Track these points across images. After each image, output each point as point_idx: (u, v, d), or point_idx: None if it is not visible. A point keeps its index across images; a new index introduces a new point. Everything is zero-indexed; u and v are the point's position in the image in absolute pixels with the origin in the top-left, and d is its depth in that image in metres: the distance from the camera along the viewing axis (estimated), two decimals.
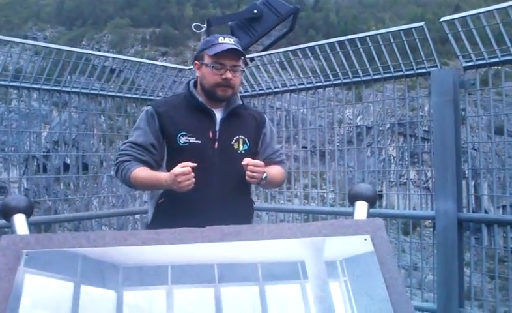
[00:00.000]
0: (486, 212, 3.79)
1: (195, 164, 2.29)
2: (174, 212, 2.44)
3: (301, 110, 4.97)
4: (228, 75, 2.51)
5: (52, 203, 4.61)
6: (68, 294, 1.29)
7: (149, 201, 2.72)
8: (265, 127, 2.75)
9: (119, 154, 2.59)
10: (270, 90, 4.97)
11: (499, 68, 3.68)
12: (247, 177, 2.46)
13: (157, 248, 1.40)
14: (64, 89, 4.45)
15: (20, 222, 1.56)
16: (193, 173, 2.28)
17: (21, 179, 4.75)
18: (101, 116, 5.17)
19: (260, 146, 2.73)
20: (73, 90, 4.51)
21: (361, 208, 1.64)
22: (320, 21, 74.38)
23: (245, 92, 5.07)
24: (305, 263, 1.40)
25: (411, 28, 3.88)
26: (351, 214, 1.70)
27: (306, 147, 5.02)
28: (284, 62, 4.68)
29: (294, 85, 4.79)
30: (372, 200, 1.68)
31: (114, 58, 5.09)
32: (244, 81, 5.00)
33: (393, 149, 4.83)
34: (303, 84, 4.72)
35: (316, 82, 4.61)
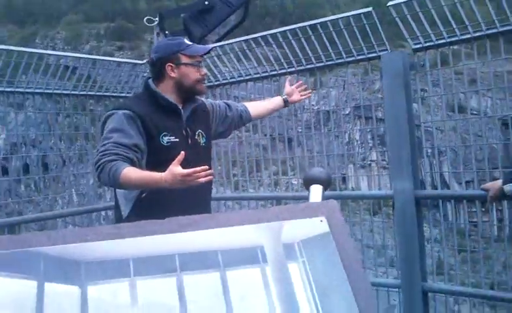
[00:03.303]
0: (449, 188, 3.92)
1: (206, 167, 2.45)
2: (156, 206, 2.50)
3: (263, 98, 4.99)
4: (205, 70, 2.88)
5: (15, 205, 4.54)
6: (32, 293, 1.30)
7: (124, 195, 2.80)
8: (208, 109, 3.08)
9: (103, 155, 2.61)
10: (234, 80, 4.98)
11: (448, 48, 3.80)
12: (301, 96, 3.51)
13: (118, 242, 1.42)
14: (17, 89, 4.37)
15: None
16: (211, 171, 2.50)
17: None
18: (60, 115, 5.11)
19: (218, 121, 3.13)
20: (27, 90, 4.44)
21: (316, 192, 1.70)
22: (275, 8, 74.22)
23: (208, 82, 5.08)
24: (264, 248, 1.44)
25: (360, 13, 3.96)
26: None
27: (271, 135, 5.07)
28: (247, 51, 4.71)
29: (258, 73, 4.82)
30: (327, 183, 1.74)
31: (67, 56, 5.03)
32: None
33: (356, 132, 4.91)
34: (266, 72, 4.76)
35: (280, 69, 4.66)
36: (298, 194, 4.64)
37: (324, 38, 4.17)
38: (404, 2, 3.70)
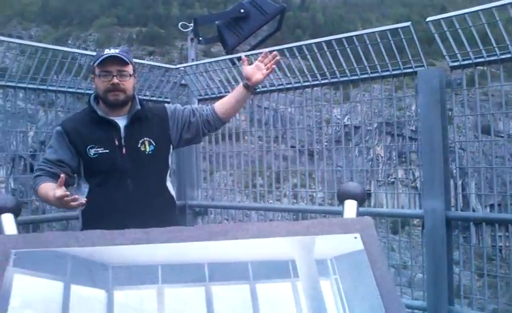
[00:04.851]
0: (474, 211, 3.82)
1: (67, 193, 2.44)
2: (98, 215, 2.68)
3: (289, 110, 4.96)
4: (115, 80, 2.73)
5: (40, 203, 4.56)
6: (58, 294, 1.28)
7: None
8: (168, 115, 2.97)
9: (35, 170, 2.87)
10: (258, 90, 4.94)
11: (485, 68, 3.70)
12: (267, 70, 2.94)
13: (147, 247, 1.40)
14: (50, 88, 4.39)
15: (8, 222, 1.55)
16: (77, 196, 2.47)
17: (8, 179, 4.70)
18: None
19: (181, 127, 2.96)
20: (59, 89, 4.46)
21: (350, 207, 1.65)
22: (306, 21, 74.38)
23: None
24: (295, 262, 1.40)
25: (397, 28, 3.88)
26: (340, 213, 1.70)
27: (294, 147, 5.02)
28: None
29: (282, 85, 4.77)
30: (362, 198, 1.68)
31: None
32: (232, 81, 4.98)
33: (381, 149, 4.83)
34: (290, 84, 4.70)
35: (304, 82, 4.60)
36: (321, 208, 4.57)
37: (357, 52, 4.09)
38: (443, 18, 3.62)
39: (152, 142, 2.83)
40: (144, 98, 4.91)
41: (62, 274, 1.32)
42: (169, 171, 3.00)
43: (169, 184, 2.97)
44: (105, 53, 2.78)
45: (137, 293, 1.30)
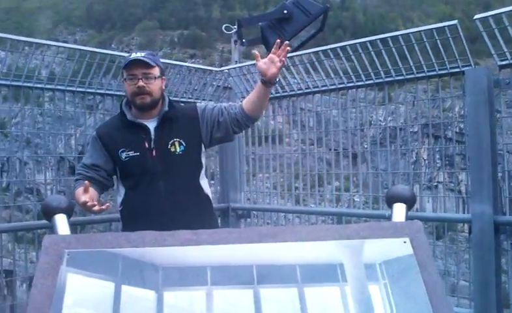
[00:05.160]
0: None
1: (86, 200, 2.53)
2: (133, 217, 2.81)
3: (331, 112, 4.90)
4: (140, 83, 2.76)
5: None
6: (109, 293, 1.31)
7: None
8: (199, 114, 2.97)
9: (75, 174, 3.03)
10: (301, 91, 4.90)
11: None
12: (279, 63, 2.73)
13: (196, 248, 1.41)
14: (98, 91, 4.48)
15: (61, 222, 1.60)
16: (95, 203, 2.56)
17: (55, 181, 4.81)
18: None
19: (211, 126, 2.94)
20: (107, 92, 4.54)
21: (399, 211, 1.62)
22: (347, 20, 73.64)
23: (276, 93, 5.02)
24: (343, 265, 1.39)
25: (444, 26, 3.78)
26: (383, 217, 1.69)
27: (336, 149, 4.97)
28: (316, 63, 4.61)
29: (326, 86, 4.72)
30: (411, 202, 1.66)
31: None
32: None
33: (424, 151, 4.73)
34: (334, 84, 4.64)
35: (348, 82, 4.53)
36: (363, 212, 4.50)
37: (399, 51, 4.00)
38: (491, 15, 3.50)
39: (183, 142, 2.86)
40: (189, 101, 4.95)
41: (113, 274, 1.35)
42: (203, 171, 3.00)
43: (203, 183, 2.97)
44: (131, 56, 2.84)
45: (186, 294, 1.33)
